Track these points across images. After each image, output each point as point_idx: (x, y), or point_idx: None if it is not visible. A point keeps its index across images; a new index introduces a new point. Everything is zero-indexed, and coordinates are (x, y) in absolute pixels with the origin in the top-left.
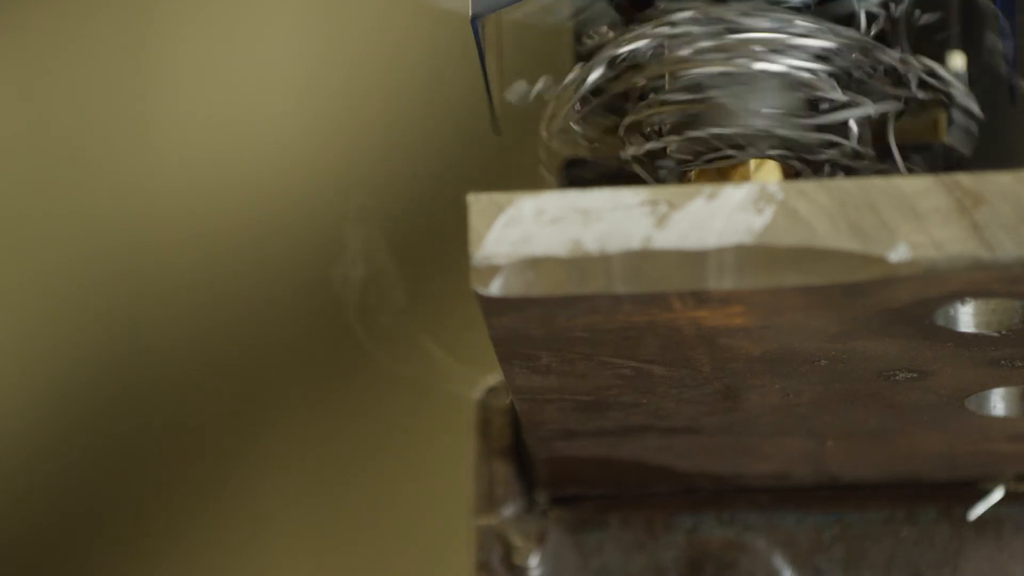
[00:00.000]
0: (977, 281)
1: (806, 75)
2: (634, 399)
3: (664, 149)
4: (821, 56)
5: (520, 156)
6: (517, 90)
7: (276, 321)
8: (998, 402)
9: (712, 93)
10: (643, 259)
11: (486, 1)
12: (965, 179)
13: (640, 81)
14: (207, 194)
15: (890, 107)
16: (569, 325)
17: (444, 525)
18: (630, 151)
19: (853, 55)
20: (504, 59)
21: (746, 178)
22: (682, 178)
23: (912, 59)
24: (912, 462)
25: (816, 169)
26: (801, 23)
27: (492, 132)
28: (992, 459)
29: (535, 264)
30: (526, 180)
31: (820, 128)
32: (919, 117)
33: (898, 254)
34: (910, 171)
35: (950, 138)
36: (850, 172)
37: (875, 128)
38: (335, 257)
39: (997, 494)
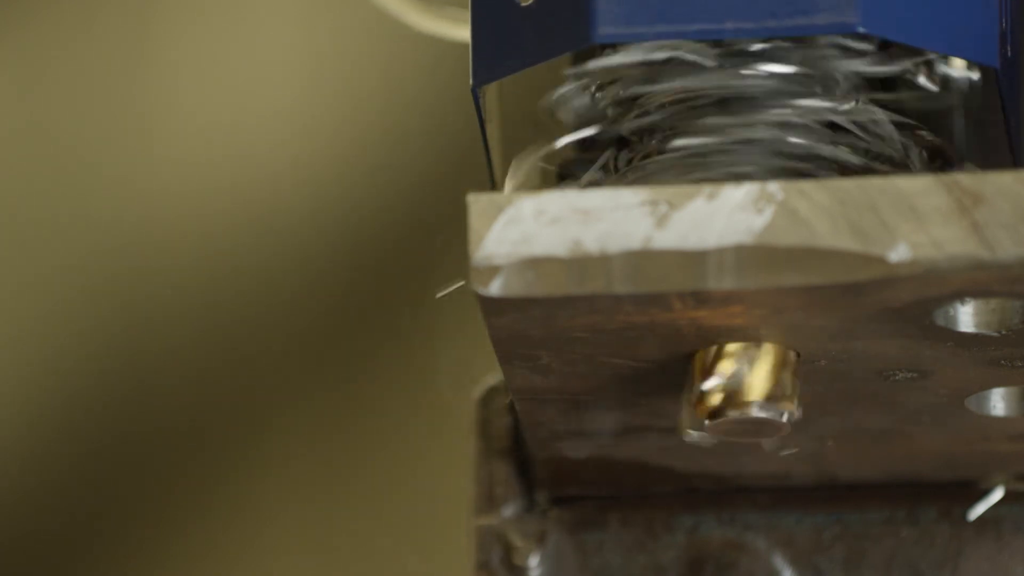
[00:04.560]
0: (977, 281)
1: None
2: (634, 399)
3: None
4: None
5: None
6: None
7: (276, 321)
8: (998, 402)
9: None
10: (643, 259)
11: (486, 71)
12: (965, 179)
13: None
14: (207, 194)
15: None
16: (569, 325)
17: (444, 525)
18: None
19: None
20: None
21: None
22: None
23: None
24: (912, 462)
25: None
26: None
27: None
28: (992, 459)
29: (535, 264)
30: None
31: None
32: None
33: (898, 254)
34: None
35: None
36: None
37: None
38: (335, 256)
39: (997, 494)
